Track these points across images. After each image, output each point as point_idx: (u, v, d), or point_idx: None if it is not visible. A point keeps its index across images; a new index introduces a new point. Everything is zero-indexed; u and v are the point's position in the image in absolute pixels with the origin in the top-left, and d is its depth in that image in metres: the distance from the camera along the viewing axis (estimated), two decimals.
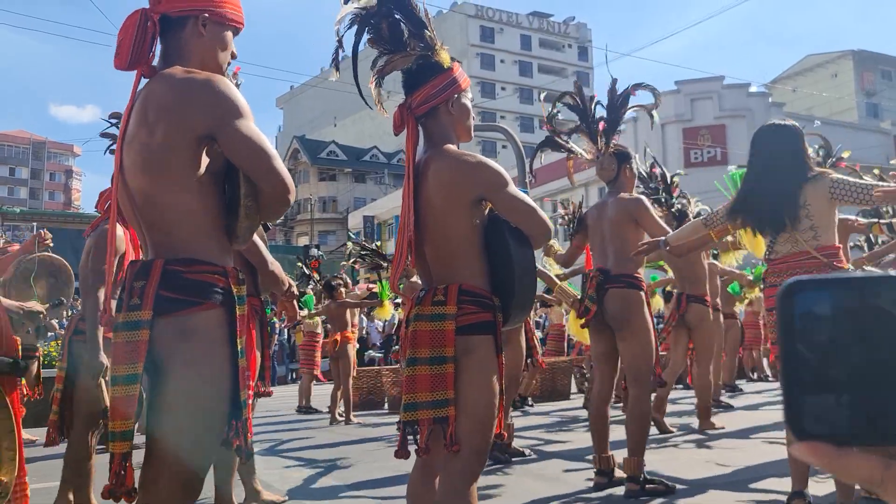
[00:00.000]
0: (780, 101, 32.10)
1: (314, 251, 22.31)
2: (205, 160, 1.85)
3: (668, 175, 6.33)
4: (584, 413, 8.22)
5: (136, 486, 1.80)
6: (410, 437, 2.28)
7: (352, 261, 8.59)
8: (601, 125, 4.38)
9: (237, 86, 2.73)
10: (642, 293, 4.17)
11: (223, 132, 1.81)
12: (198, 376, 1.78)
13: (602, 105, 4.44)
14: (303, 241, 43.38)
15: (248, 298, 1.99)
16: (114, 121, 4.00)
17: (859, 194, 3.09)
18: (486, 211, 2.33)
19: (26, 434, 6.13)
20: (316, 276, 11.00)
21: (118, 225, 3.79)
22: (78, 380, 3.72)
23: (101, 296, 3.61)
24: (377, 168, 52.85)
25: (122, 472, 1.77)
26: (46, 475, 5.19)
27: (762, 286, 3.30)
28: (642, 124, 26.66)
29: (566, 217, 5.50)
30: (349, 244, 8.76)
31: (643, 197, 4.32)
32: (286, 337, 16.73)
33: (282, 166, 1.86)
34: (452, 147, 2.36)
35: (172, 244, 1.85)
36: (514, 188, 2.32)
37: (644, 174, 6.21)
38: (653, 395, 4.57)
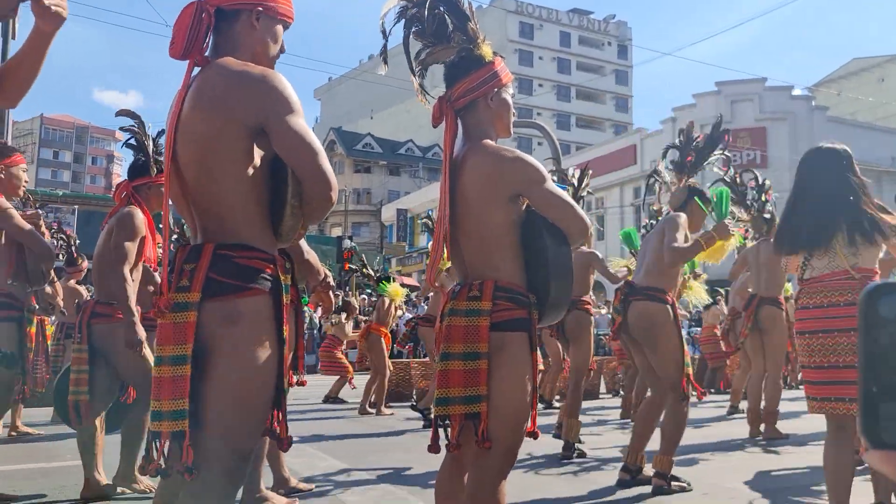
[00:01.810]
0: (824, 104, 31.45)
1: (347, 242, 22.51)
2: (258, 152, 1.88)
3: (761, 179, 6.64)
4: (611, 414, 8.16)
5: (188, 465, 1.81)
6: (442, 432, 2.27)
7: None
8: (688, 158, 4.63)
9: None
10: (666, 306, 4.25)
11: (274, 125, 1.84)
12: (245, 361, 1.80)
13: (697, 142, 4.70)
14: (336, 231, 43.68)
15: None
16: (131, 121, 4.06)
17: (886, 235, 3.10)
18: (524, 207, 2.31)
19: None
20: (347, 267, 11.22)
21: (137, 210, 3.87)
22: (102, 361, 3.79)
23: (127, 273, 3.68)
24: (412, 161, 52.95)
25: (173, 450, 1.79)
26: (53, 456, 5.31)
27: (796, 307, 3.24)
28: (682, 125, 26.35)
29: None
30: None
31: (682, 215, 4.37)
32: (318, 327, 16.85)
33: (327, 165, 1.88)
34: (491, 142, 2.34)
35: (223, 230, 1.87)
36: (551, 184, 2.29)
37: (730, 179, 6.43)
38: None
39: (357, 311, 9.88)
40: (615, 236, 27.12)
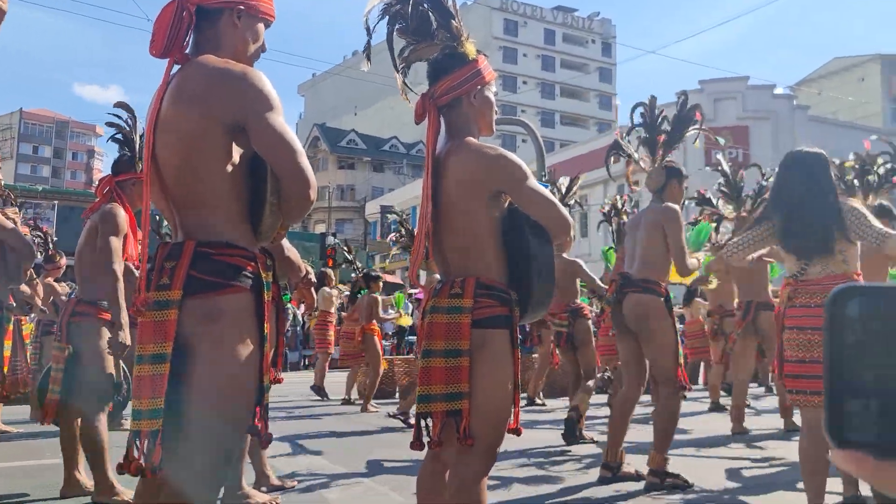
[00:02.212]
0: (805, 103, 31.74)
1: (331, 239, 22.45)
2: (237, 150, 1.88)
3: (764, 176, 6.66)
4: (593, 411, 8.19)
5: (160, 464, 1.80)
6: (425, 429, 2.28)
7: (395, 248, 9.20)
8: (660, 138, 4.58)
9: None
10: (661, 298, 4.26)
11: (253, 123, 1.84)
12: (227, 358, 1.80)
13: (668, 121, 4.65)
14: (319, 228, 43.53)
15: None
16: (118, 115, 4.02)
17: (865, 234, 3.24)
18: (506, 204, 2.32)
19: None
20: (331, 263, 11.32)
21: (120, 207, 3.83)
22: (83, 360, 3.75)
23: (120, 272, 3.64)
24: (396, 158, 52.87)
25: (150, 449, 1.78)
26: (33, 453, 5.26)
27: (789, 305, 3.31)
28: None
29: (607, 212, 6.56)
30: (393, 235, 9.37)
31: (677, 208, 4.38)
32: (302, 323, 16.80)
33: (307, 164, 1.88)
34: (473, 140, 2.35)
35: (204, 227, 1.87)
36: (534, 182, 2.30)
37: (728, 173, 6.45)
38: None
39: (334, 282, 9.91)
40: (598, 233, 27.27)
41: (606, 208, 7.72)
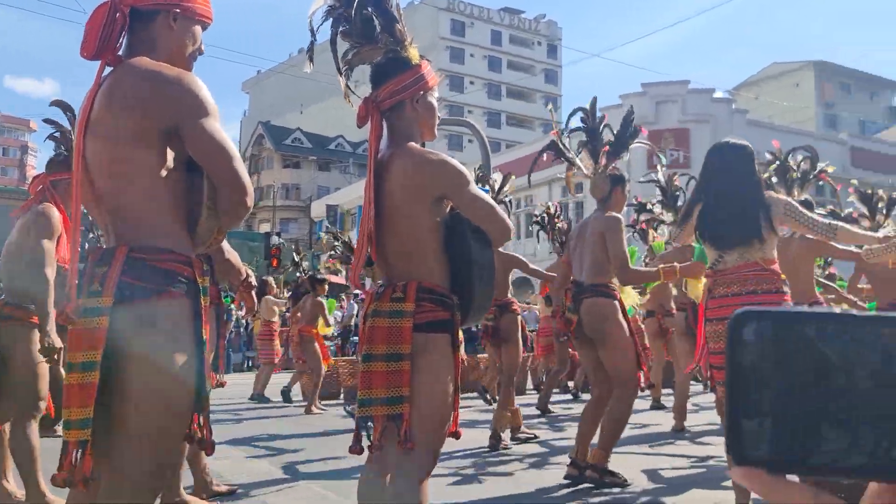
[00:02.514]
0: (744, 107, 32.61)
1: (275, 238, 22.18)
2: (171, 154, 1.85)
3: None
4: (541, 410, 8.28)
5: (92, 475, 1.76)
6: (364, 433, 2.28)
7: (328, 254, 9.08)
8: (605, 147, 4.62)
9: None
10: (615, 301, 4.33)
11: (188, 128, 1.81)
12: (164, 365, 1.76)
13: (611, 129, 4.71)
14: (264, 227, 42.96)
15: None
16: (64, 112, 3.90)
17: (813, 227, 3.38)
18: (448, 209, 2.33)
19: None
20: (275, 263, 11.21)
21: (53, 207, 3.72)
22: (12, 365, 3.62)
23: (51, 276, 3.54)
24: (342, 157, 52.48)
25: (79, 460, 1.74)
26: None
27: (709, 297, 3.39)
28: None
29: (540, 218, 6.28)
30: (323, 235, 9.26)
31: (621, 218, 4.46)
32: (245, 325, 16.56)
33: (243, 169, 1.87)
34: (415, 145, 2.36)
35: (137, 232, 1.83)
36: (475, 188, 2.32)
37: (663, 182, 6.54)
38: None
39: (275, 290, 9.86)
40: (543, 233, 27.56)
41: (539, 215, 7.81)
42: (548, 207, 7.69)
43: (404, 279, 2.27)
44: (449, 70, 52.36)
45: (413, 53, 2.41)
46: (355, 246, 2.48)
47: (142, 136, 1.80)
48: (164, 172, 1.83)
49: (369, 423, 2.25)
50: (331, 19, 2.46)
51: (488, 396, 8.74)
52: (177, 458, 1.95)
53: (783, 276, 3.48)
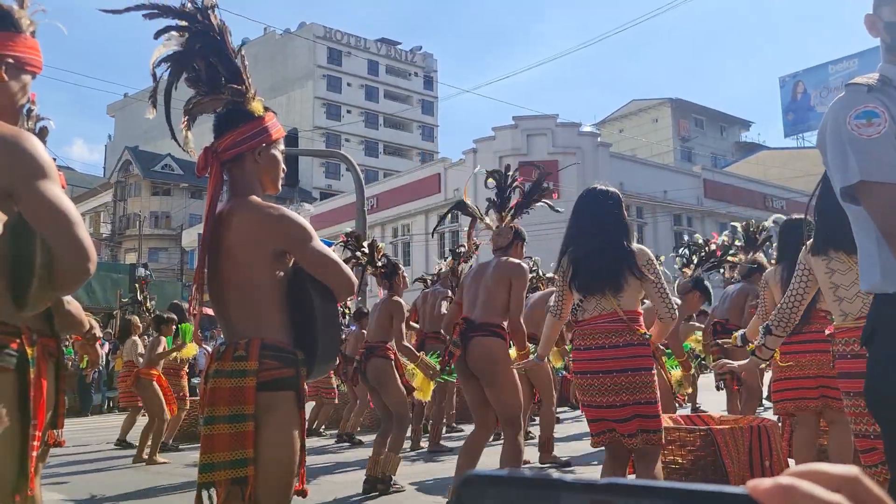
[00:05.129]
0: (608, 140, 34.28)
1: (141, 270, 21.11)
2: (0, 217, 1.71)
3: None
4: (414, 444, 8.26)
5: None
6: (207, 500, 2.19)
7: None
8: (513, 203, 4.92)
9: (43, 129, 2.53)
10: (504, 342, 4.39)
11: (23, 191, 1.70)
12: None
13: (522, 188, 5.03)
14: (131, 258, 40.86)
15: (43, 340, 1.86)
16: None
17: (664, 300, 3.33)
18: (290, 263, 2.30)
19: None
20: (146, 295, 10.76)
21: None
22: None
23: None
24: None
25: None
26: None
27: (573, 348, 3.47)
28: (482, 155, 27.60)
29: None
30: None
31: (526, 267, 4.61)
32: (106, 362, 15.60)
33: (85, 234, 1.75)
34: (256, 198, 2.32)
35: None
36: (318, 243, 2.31)
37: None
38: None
39: (140, 330, 9.27)
40: (420, 262, 27.76)
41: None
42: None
43: (246, 336, 2.21)
44: (326, 98, 52.16)
45: (257, 106, 2.39)
46: (189, 297, 2.43)
47: None
48: None
49: (211, 490, 2.17)
50: (170, 67, 2.40)
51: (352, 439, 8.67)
52: None
53: (643, 330, 3.36)
